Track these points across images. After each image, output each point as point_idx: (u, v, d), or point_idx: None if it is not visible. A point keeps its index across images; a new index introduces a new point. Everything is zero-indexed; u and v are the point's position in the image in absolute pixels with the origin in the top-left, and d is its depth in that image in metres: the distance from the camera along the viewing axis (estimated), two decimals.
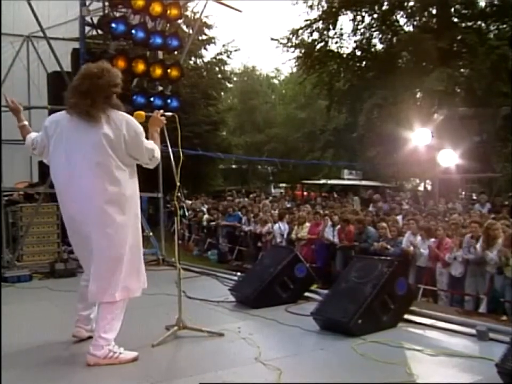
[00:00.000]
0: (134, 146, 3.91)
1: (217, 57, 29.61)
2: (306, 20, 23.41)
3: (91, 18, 8.24)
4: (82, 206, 3.84)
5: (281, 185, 36.82)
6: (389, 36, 22.80)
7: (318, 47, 23.77)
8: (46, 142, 4.09)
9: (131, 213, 3.95)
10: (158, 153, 4.12)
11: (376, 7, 22.32)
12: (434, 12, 21.69)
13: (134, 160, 4.00)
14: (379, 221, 11.23)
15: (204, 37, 27.65)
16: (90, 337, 4.09)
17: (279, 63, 62.10)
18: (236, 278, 6.80)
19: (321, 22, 23.16)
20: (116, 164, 3.84)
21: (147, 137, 4.11)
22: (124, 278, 3.89)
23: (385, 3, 22.28)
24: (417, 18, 22.15)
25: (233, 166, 36.57)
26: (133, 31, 7.86)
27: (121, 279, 3.88)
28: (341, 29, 23.51)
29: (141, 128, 3.97)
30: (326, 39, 23.56)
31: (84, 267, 4.21)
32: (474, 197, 18.42)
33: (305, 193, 30.94)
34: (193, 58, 27.41)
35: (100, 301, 3.95)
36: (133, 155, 3.95)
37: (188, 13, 20.23)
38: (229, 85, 34.98)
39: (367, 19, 22.98)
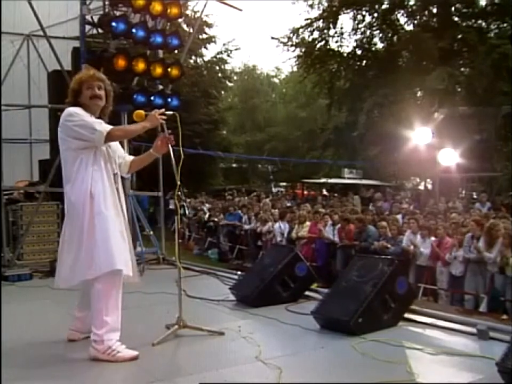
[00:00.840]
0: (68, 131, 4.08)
1: (218, 56, 29.63)
2: (307, 19, 23.47)
3: (91, 17, 8.21)
4: None
5: (281, 184, 36.82)
6: (390, 35, 22.80)
7: (318, 46, 23.77)
8: None
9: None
10: (104, 128, 4.06)
11: (376, 6, 22.33)
12: (434, 10, 21.70)
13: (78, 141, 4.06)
14: (379, 220, 11.24)
15: (204, 36, 27.66)
16: (87, 337, 4.10)
17: (280, 62, 62.08)
18: (236, 277, 6.80)
19: (321, 21, 23.17)
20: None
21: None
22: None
23: (386, 2, 22.30)
24: (418, 17, 22.13)
25: (234, 165, 36.57)
26: (133, 30, 7.84)
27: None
28: (342, 27, 23.58)
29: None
30: (327, 38, 23.58)
31: None
32: (475, 196, 18.40)
33: (305, 192, 30.94)
34: (193, 57, 27.42)
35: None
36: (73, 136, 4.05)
37: (188, 12, 20.26)
38: (230, 84, 34.99)
39: (368, 18, 23.03)
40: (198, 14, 19.16)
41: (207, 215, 17.92)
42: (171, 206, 11.89)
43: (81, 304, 4.31)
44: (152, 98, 8.06)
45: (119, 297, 4.01)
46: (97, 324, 3.89)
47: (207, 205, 19.64)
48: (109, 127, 4.10)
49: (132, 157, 4.52)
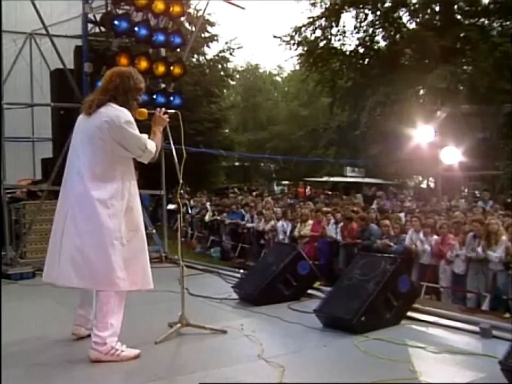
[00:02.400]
0: (119, 135, 3.91)
1: (220, 55, 29.58)
2: (309, 17, 23.42)
3: (94, 16, 8.22)
4: None
5: (283, 182, 36.78)
6: (392, 33, 22.76)
7: (320, 44, 23.76)
8: None
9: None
10: (152, 147, 4.07)
11: (379, 4, 22.30)
12: (437, 9, 21.69)
13: (123, 150, 3.96)
14: (382, 218, 11.23)
15: (207, 35, 27.61)
16: (90, 335, 4.08)
17: (282, 60, 61.93)
18: (238, 275, 6.80)
19: (324, 19, 23.14)
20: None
21: (149, 135, 4.13)
22: None
23: (388, 0, 22.26)
24: (420, 15, 22.10)
25: (236, 164, 36.50)
26: (136, 29, 7.85)
27: None
28: (344, 26, 23.55)
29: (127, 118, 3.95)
30: (329, 36, 23.57)
31: None
32: (477, 194, 18.39)
33: (307, 190, 30.91)
34: (195, 55, 27.37)
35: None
36: (122, 144, 3.93)
37: (191, 10, 20.19)
38: (232, 83, 34.95)
39: (370, 16, 22.98)
40: (200, 13, 19.13)
41: (209, 214, 17.90)
42: (170, 206, 11.87)
43: (82, 302, 4.30)
44: (154, 96, 8.07)
45: (124, 300, 4.01)
46: (101, 326, 3.84)
47: (209, 203, 19.61)
48: (154, 147, 4.07)
49: None
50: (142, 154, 4.02)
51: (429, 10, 21.81)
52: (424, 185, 24.47)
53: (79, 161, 3.94)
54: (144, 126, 4.26)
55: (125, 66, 7.40)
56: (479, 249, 8.55)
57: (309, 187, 32.28)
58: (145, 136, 4.06)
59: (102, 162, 3.91)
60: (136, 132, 3.96)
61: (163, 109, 4.39)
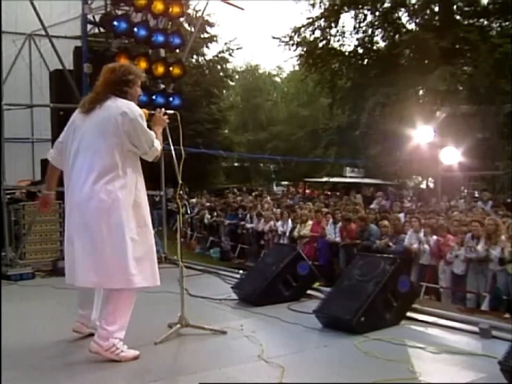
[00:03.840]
0: (131, 128, 3.88)
1: (220, 55, 29.60)
2: (308, 18, 23.44)
3: (93, 17, 8.22)
4: None
5: (283, 183, 36.80)
6: (391, 34, 22.78)
7: (320, 45, 23.75)
8: None
9: None
10: (158, 145, 4.06)
11: (378, 5, 22.31)
12: (436, 9, 21.68)
13: (131, 145, 3.93)
14: (381, 219, 11.23)
15: (206, 35, 27.64)
16: (91, 334, 4.08)
17: (281, 61, 61.96)
18: (238, 275, 6.80)
19: (323, 20, 23.15)
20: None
21: None
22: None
23: (387, 0, 22.27)
24: (420, 16, 22.10)
25: (236, 164, 36.50)
26: (135, 29, 7.85)
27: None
28: (343, 26, 23.57)
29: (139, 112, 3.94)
30: (328, 37, 23.56)
31: None
32: (477, 195, 18.39)
33: (307, 191, 30.93)
34: (195, 56, 27.40)
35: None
36: (131, 138, 3.90)
37: (190, 11, 20.16)
38: (231, 83, 34.98)
39: (369, 17, 22.99)
40: (199, 13, 19.03)
41: (208, 214, 17.91)
42: (169, 207, 11.87)
43: (82, 303, 4.30)
44: (154, 97, 8.06)
45: (134, 297, 4.00)
46: (110, 320, 3.83)
47: (208, 204, 19.63)
48: (159, 145, 4.05)
49: None
50: (148, 151, 3.98)
51: (428, 11, 21.81)
52: (423, 186, 24.46)
53: (84, 158, 3.87)
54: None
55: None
56: (479, 247, 8.55)
57: (308, 187, 32.28)
58: (152, 133, 4.04)
59: (112, 158, 3.83)
60: (144, 127, 3.94)
61: (163, 110, 4.39)
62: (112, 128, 3.83)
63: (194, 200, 20.55)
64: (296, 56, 25.02)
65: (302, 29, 23.59)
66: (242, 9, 10.09)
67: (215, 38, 28.34)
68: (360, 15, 22.90)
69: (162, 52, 8.66)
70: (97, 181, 3.79)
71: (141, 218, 3.96)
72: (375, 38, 23.43)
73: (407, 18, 22.70)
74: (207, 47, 28.38)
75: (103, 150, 3.84)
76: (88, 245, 3.80)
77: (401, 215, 12.18)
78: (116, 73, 4.01)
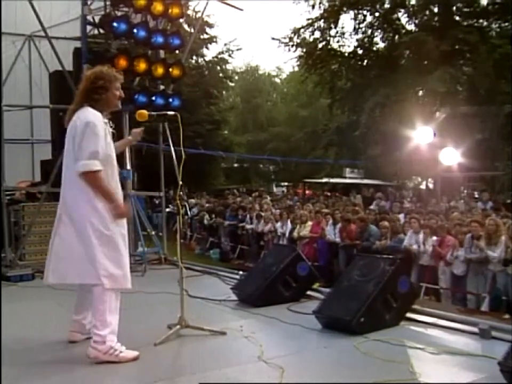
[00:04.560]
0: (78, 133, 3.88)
1: (219, 56, 29.63)
2: (308, 19, 23.45)
3: (93, 18, 8.22)
4: None
5: (283, 184, 36.82)
6: (391, 35, 22.79)
7: (319, 46, 23.75)
8: None
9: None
10: (95, 165, 3.83)
11: (377, 6, 22.31)
12: (436, 10, 21.67)
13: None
14: (381, 219, 11.23)
15: (206, 36, 27.67)
16: (88, 338, 4.08)
17: (281, 62, 62.05)
18: (237, 276, 6.79)
19: (322, 20, 23.15)
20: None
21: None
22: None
23: (387, 1, 22.27)
24: (419, 17, 22.10)
25: (235, 165, 36.56)
26: (135, 30, 7.85)
27: None
28: (343, 27, 23.56)
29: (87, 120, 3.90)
30: (328, 37, 23.57)
31: None
32: (476, 195, 18.38)
33: (307, 191, 30.94)
34: (194, 57, 27.44)
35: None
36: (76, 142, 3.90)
37: (190, 12, 20.21)
38: (231, 84, 35.00)
39: (369, 18, 22.98)
40: (199, 14, 19.10)
41: (207, 215, 17.91)
42: (169, 209, 11.88)
43: (78, 306, 4.30)
44: (153, 98, 8.07)
45: (119, 299, 4.01)
46: (100, 324, 3.86)
47: (208, 205, 19.62)
48: (97, 166, 3.84)
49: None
50: (80, 160, 3.84)
51: (427, 12, 21.81)
52: (423, 186, 24.45)
53: (65, 163, 4.03)
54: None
55: (124, 68, 7.41)
56: (479, 248, 8.55)
57: (308, 188, 32.30)
58: (94, 147, 3.86)
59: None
60: (94, 137, 3.85)
61: (142, 128, 4.45)
62: (73, 140, 3.91)
63: (193, 200, 20.54)
64: (296, 57, 25.11)
65: (302, 30, 23.60)
66: (241, 9, 10.11)
67: (214, 39, 28.40)
68: (359, 16, 22.90)
69: (161, 53, 8.68)
70: (70, 185, 3.96)
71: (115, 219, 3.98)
72: (375, 39, 23.48)
73: (407, 19, 22.73)
74: (207, 48, 28.45)
75: (71, 156, 3.94)
76: (60, 245, 4.18)
77: (401, 216, 12.19)
78: (87, 81, 4.06)
